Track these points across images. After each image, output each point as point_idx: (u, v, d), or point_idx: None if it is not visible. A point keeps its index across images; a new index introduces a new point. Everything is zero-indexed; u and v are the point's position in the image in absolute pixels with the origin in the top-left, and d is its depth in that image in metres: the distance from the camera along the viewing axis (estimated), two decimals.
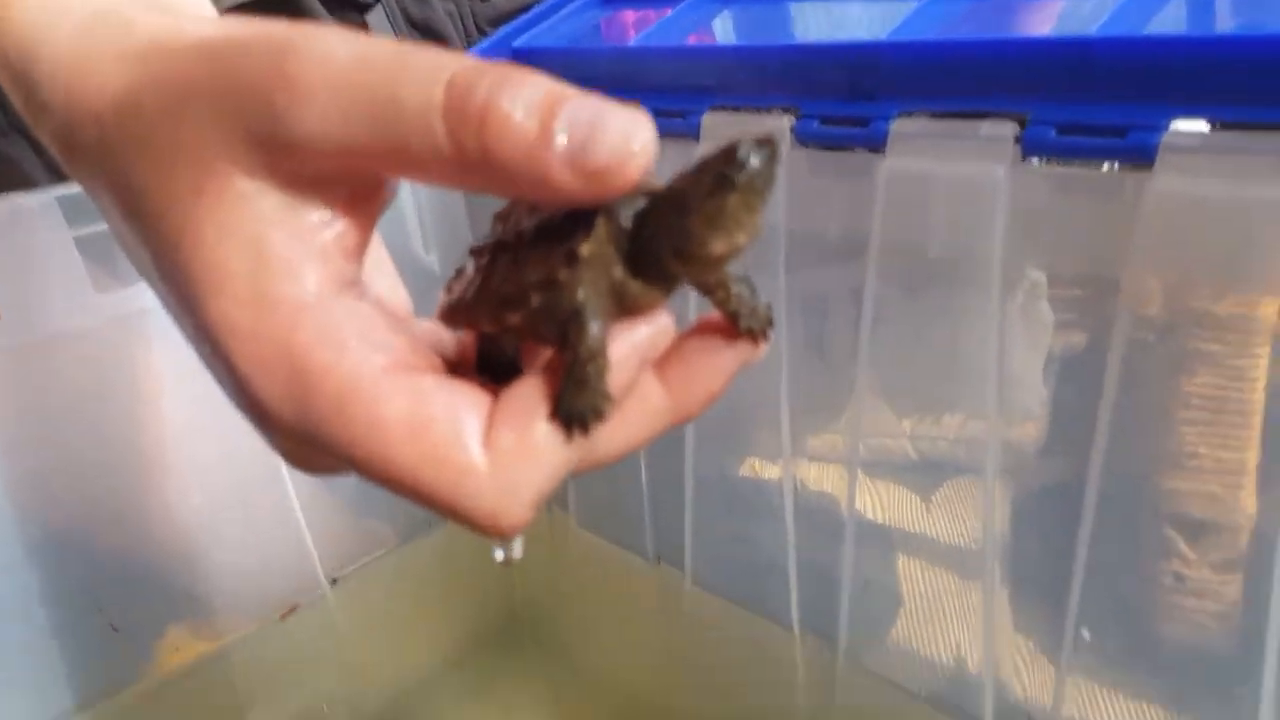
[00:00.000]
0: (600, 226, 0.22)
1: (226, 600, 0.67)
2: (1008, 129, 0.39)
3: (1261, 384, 0.36)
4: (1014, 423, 0.45)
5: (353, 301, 0.23)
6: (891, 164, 0.43)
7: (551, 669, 0.80)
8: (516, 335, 0.25)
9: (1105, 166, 0.38)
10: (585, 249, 0.22)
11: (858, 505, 0.52)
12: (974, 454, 0.46)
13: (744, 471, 0.62)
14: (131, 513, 0.62)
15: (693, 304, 0.47)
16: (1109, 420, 0.38)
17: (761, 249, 0.50)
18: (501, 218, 0.26)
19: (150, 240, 0.23)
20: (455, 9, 0.81)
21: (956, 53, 0.40)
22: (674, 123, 0.50)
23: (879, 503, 0.54)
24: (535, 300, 0.23)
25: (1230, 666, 0.39)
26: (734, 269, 0.25)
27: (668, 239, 0.22)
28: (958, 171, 0.41)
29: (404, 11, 0.79)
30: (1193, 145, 0.34)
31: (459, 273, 0.27)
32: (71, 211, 0.53)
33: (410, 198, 0.72)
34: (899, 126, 0.42)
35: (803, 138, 0.46)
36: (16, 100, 0.26)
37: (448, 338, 0.28)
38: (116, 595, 0.61)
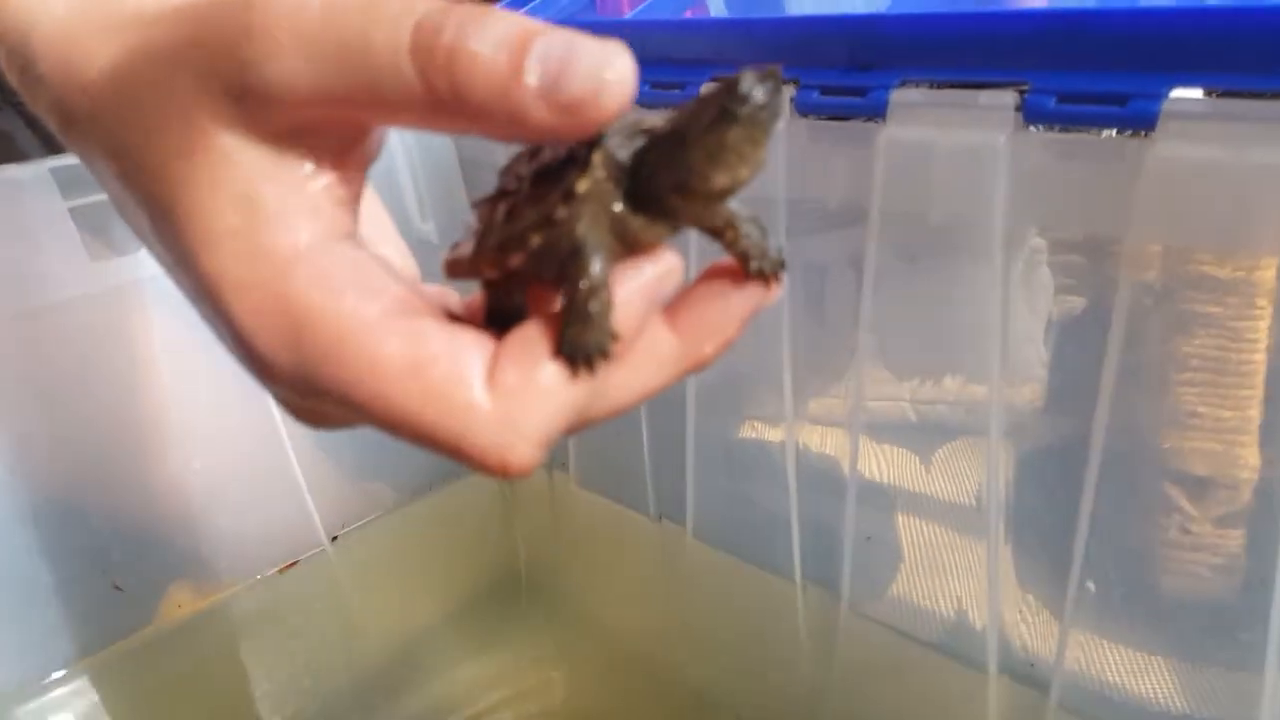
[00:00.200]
0: (597, 164, 0.22)
1: (228, 560, 0.68)
2: (1008, 98, 0.39)
3: (1262, 345, 0.37)
4: (1015, 385, 0.46)
5: (349, 249, 0.23)
6: (892, 132, 0.43)
7: (553, 624, 0.80)
8: (520, 280, 0.25)
9: (1105, 134, 0.38)
10: (582, 186, 0.22)
11: (859, 467, 0.53)
12: (975, 416, 0.46)
13: (746, 434, 0.63)
14: (133, 476, 0.63)
15: (694, 257, 0.47)
16: (1111, 382, 0.39)
17: (763, 217, 0.50)
18: (503, 171, 0.26)
19: (146, 204, 0.23)
20: None
21: (956, 25, 0.40)
22: (672, 94, 0.50)
23: (880, 464, 0.55)
24: (535, 240, 0.23)
25: (1235, 615, 0.40)
26: (742, 210, 0.25)
27: (668, 174, 0.22)
28: (959, 140, 0.41)
29: None
30: (1194, 112, 0.34)
31: (465, 229, 0.27)
32: (66, 182, 0.54)
33: (406, 167, 0.72)
34: (899, 96, 0.42)
35: (803, 108, 0.46)
36: (12, 74, 0.26)
37: (454, 301, 0.28)
38: (120, 556, 0.63)
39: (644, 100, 0.53)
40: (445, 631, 0.78)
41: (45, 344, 0.57)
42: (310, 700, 0.71)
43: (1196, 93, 0.35)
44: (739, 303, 0.25)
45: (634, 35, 0.53)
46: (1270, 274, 0.36)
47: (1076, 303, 0.44)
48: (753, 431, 0.62)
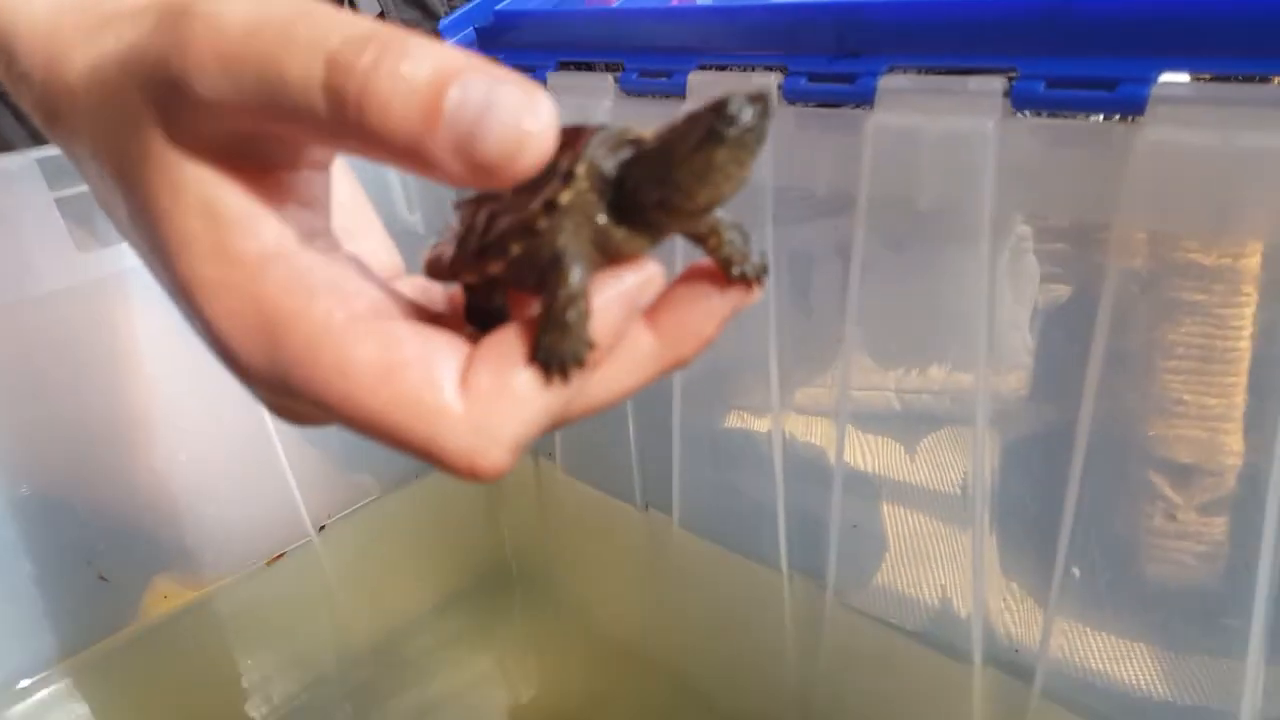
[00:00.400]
0: (581, 175, 0.22)
1: (215, 551, 0.68)
2: (997, 84, 0.39)
3: (1247, 332, 0.37)
4: (1000, 373, 0.46)
5: (320, 251, 0.23)
6: (879, 119, 0.43)
7: (539, 612, 0.81)
8: (499, 285, 0.25)
9: (1093, 119, 0.39)
10: (564, 197, 0.22)
11: (845, 456, 0.53)
12: (961, 404, 0.47)
13: (731, 423, 0.63)
14: (119, 467, 0.63)
15: (679, 257, 0.47)
16: (1096, 369, 0.39)
17: (750, 205, 0.50)
18: None
19: (123, 205, 0.23)
20: None
21: (944, 11, 0.40)
22: (659, 82, 0.50)
23: (866, 453, 0.56)
24: (515, 249, 0.23)
25: (1219, 602, 0.40)
26: (726, 217, 0.25)
27: (653, 190, 0.22)
28: (947, 126, 0.41)
29: None
30: (1182, 96, 0.35)
31: (446, 229, 0.27)
32: (52, 173, 0.54)
33: None
34: (887, 82, 0.42)
35: (790, 95, 0.46)
36: None
37: (438, 293, 0.28)
38: (106, 547, 0.63)
39: (632, 89, 0.53)
40: (432, 620, 0.78)
41: (31, 335, 0.57)
42: (299, 691, 0.71)
43: (1184, 77, 0.35)
44: (719, 304, 0.25)
45: (622, 23, 0.53)
46: (1256, 261, 0.36)
47: (1062, 290, 0.44)
48: (739, 421, 0.62)
